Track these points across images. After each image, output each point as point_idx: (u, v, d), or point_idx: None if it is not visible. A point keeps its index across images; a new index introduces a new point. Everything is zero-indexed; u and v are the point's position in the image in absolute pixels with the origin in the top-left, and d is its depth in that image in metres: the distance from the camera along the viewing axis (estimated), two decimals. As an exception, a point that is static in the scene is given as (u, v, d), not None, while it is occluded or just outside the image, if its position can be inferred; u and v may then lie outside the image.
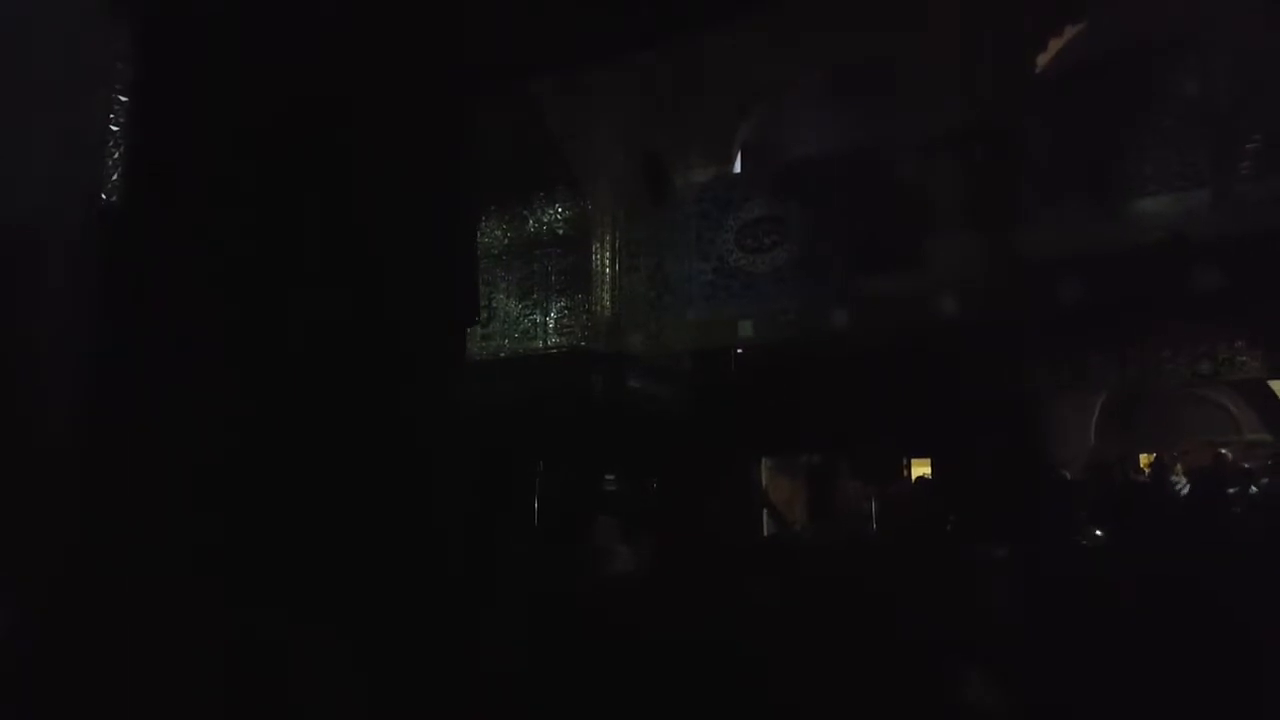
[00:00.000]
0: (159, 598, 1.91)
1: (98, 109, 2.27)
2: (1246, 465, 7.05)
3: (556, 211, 10.17)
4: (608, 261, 9.66)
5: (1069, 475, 7.34)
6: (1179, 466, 7.02)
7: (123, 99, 2.22)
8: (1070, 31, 8.22)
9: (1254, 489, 6.32)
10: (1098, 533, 4.93)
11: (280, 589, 2.06)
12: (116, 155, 2.26)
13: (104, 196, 2.25)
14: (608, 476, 8.46)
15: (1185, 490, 6.68)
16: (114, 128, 2.27)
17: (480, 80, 3.23)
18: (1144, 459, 8.83)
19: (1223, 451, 6.98)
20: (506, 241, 10.40)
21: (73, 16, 2.20)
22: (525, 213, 10.32)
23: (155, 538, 1.97)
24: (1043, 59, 8.22)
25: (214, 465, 2.05)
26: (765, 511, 7.39)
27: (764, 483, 9.35)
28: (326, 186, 2.29)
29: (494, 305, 10.27)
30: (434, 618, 2.33)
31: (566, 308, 9.98)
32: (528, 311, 10.21)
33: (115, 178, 2.24)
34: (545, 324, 10.07)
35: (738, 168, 10.16)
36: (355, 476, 2.23)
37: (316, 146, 2.28)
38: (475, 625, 2.58)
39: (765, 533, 6.74)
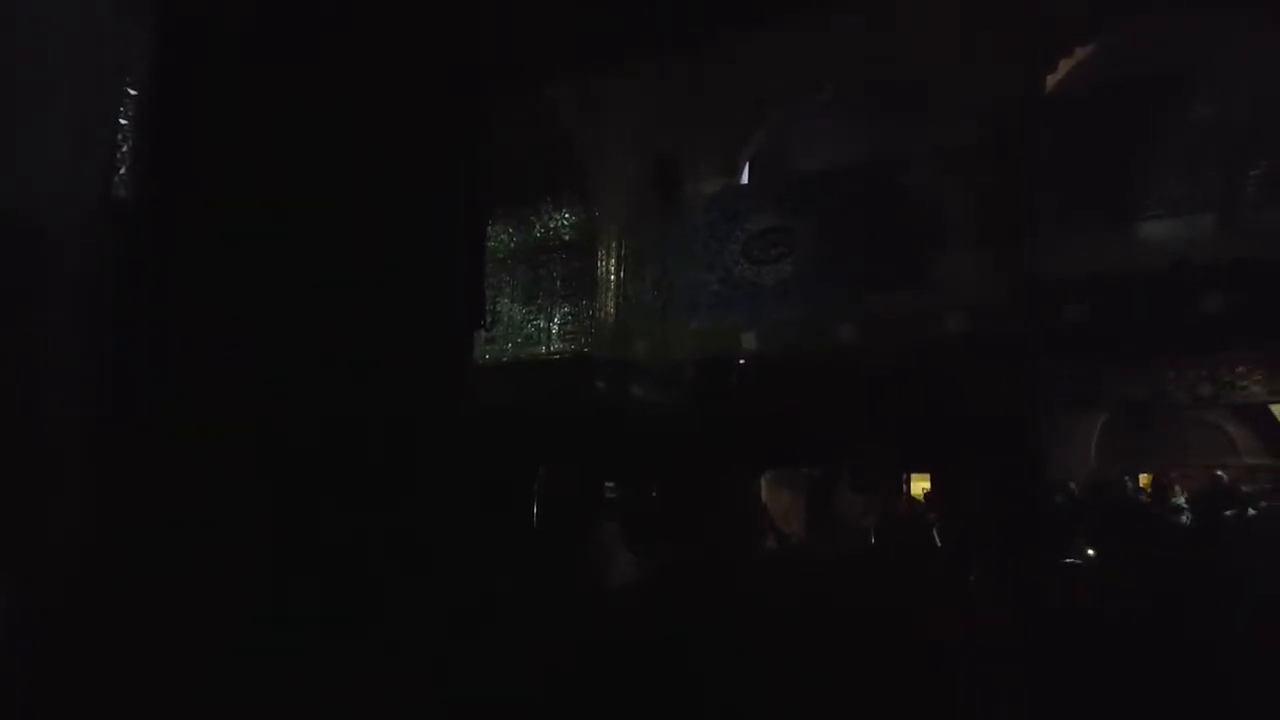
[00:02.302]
0: (164, 599, 1.92)
1: (109, 104, 2.27)
2: (1246, 489, 7.05)
3: (563, 217, 10.17)
4: (613, 268, 9.67)
5: (1067, 494, 7.34)
6: (1177, 488, 7.01)
7: (133, 93, 2.25)
8: (1080, 53, 8.25)
9: (1252, 512, 6.31)
10: (1091, 552, 4.93)
11: (283, 591, 2.06)
12: (125, 149, 2.27)
13: (114, 192, 2.26)
14: (609, 483, 8.46)
15: (1183, 512, 6.68)
16: (124, 122, 2.27)
17: (489, 84, 3.24)
18: (1144, 479, 8.83)
19: (1219, 474, 6.98)
20: (512, 246, 10.40)
21: (86, 12, 2.21)
22: (532, 218, 10.33)
23: (162, 538, 1.97)
24: (1052, 80, 8.25)
25: (220, 465, 2.06)
26: (764, 524, 7.38)
27: (763, 495, 9.35)
28: (334, 189, 2.30)
29: (499, 310, 10.28)
30: (436, 620, 2.34)
31: (570, 314, 9.99)
32: (532, 317, 10.21)
33: (124, 173, 2.26)
34: (549, 329, 10.07)
35: (746, 179, 10.18)
36: (359, 479, 2.24)
37: (324, 148, 2.29)
38: (477, 630, 2.58)
39: (765, 544, 6.73)
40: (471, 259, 3.01)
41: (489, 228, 9.93)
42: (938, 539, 6.16)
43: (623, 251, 9.73)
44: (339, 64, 2.31)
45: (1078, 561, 4.79)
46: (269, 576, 2.06)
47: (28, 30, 2.09)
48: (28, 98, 2.08)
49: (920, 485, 8.82)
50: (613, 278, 9.64)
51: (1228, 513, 6.31)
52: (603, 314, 9.63)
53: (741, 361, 9.39)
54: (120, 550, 1.95)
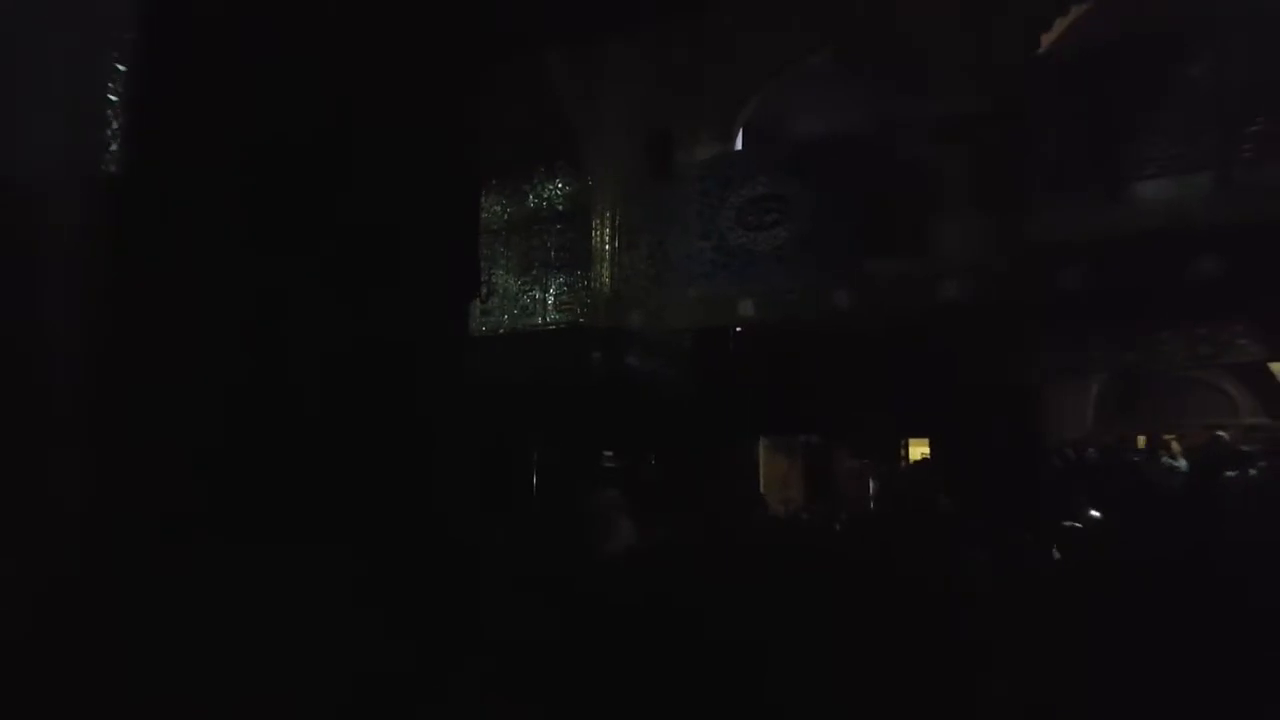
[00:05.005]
0: (163, 596, 1.89)
1: (97, 78, 2.20)
2: (1245, 449, 7.05)
3: (557, 187, 10.11)
4: (608, 238, 9.61)
5: (1066, 457, 7.35)
6: (1175, 448, 7.01)
7: (121, 68, 2.20)
8: (1075, 11, 8.13)
9: (1253, 472, 6.32)
10: (1093, 514, 4.94)
11: (285, 578, 2.03)
12: (115, 125, 2.22)
13: (103, 167, 2.20)
14: (607, 453, 8.49)
15: (1182, 472, 6.70)
16: (113, 98, 2.21)
17: (480, 55, 3.20)
18: (1141, 441, 8.84)
19: (1220, 434, 6.97)
20: (506, 217, 10.34)
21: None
22: (525, 188, 10.26)
23: (159, 526, 1.94)
24: (1047, 39, 8.13)
25: (214, 445, 2.03)
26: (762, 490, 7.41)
27: (761, 462, 9.38)
28: (325, 162, 2.27)
29: (494, 281, 10.24)
30: (441, 595, 2.32)
31: (566, 284, 9.96)
32: (527, 288, 10.18)
33: (114, 148, 2.21)
34: (545, 300, 10.04)
35: (739, 145, 10.09)
36: (359, 455, 2.22)
37: (315, 122, 2.26)
38: (480, 602, 2.58)
39: (762, 510, 6.76)
40: (466, 231, 2.98)
41: (483, 199, 9.87)
42: (937, 503, 6.18)
43: (617, 221, 9.66)
44: (327, 37, 2.27)
45: (1076, 524, 4.81)
46: (271, 569, 2.02)
47: (13, 3, 2.02)
48: (14, 72, 2.01)
49: (919, 450, 8.85)
50: (608, 247, 9.58)
51: (1229, 474, 6.33)
52: (599, 284, 9.59)
53: (738, 329, 9.36)
54: (117, 542, 1.92)
